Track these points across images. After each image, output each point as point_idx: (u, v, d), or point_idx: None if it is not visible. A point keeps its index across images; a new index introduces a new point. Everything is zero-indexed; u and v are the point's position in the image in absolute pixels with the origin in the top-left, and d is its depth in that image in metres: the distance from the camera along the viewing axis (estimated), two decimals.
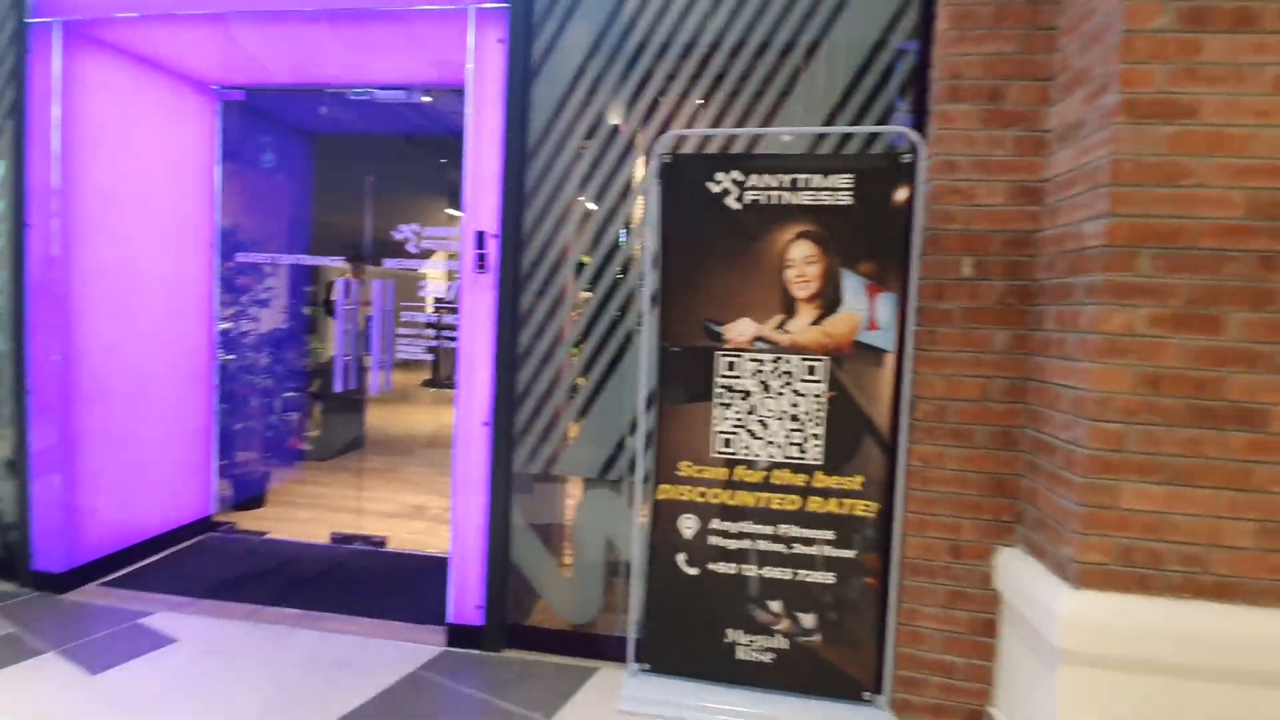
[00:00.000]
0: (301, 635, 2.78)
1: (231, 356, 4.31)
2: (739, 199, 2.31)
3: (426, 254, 3.64)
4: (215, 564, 3.49)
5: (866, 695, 2.32)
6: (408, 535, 3.96)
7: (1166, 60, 1.84)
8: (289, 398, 4.65)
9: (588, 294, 2.70)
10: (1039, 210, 2.24)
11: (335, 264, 4.20)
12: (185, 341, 3.77)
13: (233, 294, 4.33)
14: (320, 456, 5.42)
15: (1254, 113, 1.81)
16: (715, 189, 2.32)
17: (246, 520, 4.10)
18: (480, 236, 2.63)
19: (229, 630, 2.81)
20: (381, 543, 3.77)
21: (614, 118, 2.67)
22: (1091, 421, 1.90)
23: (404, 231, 3.63)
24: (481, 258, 2.64)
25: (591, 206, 2.70)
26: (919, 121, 2.41)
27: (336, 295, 3.76)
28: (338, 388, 3.73)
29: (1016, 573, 2.14)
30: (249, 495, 4.31)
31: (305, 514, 4.26)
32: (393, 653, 2.66)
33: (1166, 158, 1.84)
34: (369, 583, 3.31)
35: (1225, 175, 1.82)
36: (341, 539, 3.78)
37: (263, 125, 4.54)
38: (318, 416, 5.52)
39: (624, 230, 2.68)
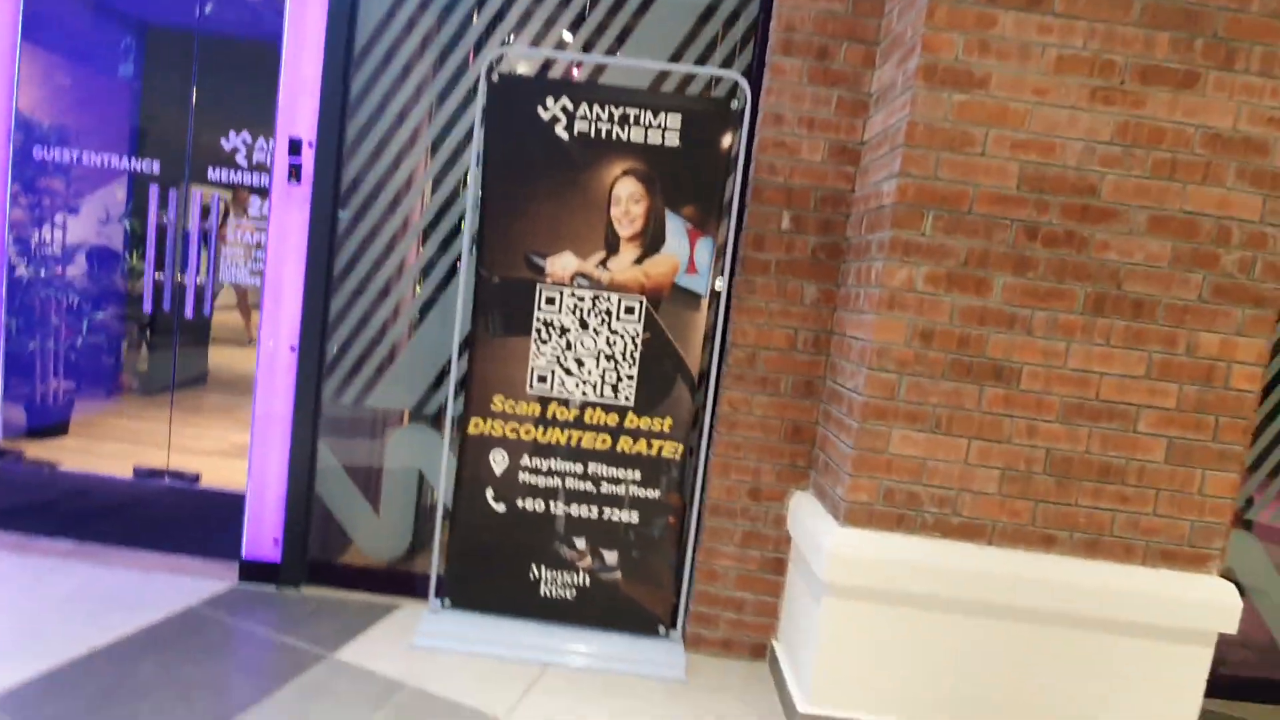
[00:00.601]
0: (73, 568, 2.53)
1: (28, 268, 3.80)
2: (568, 128, 2.24)
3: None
4: None
5: (662, 630, 2.39)
6: (229, 474, 3.68)
7: (964, 30, 1.92)
8: (101, 319, 4.18)
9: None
10: (854, 171, 2.32)
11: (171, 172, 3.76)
12: None
13: (34, 195, 3.80)
14: (147, 389, 4.95)
15: (1034, 90, 1.93)
16: (545, 116, 2.24)
17: (38, 449, 3.67)
18: (295, 144, 2.42)
19: None
20: (195, 479, 3.48)
21: (452, 31, 2.51)
22: (870, 370, 2.00)
23: (233, 141, 3.30)
24: (295, 169, 2.43)
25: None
26: (758, 72, 2.42)
27: (150, 208, 3.38)
28: (147, 309, 3.37)
29: (802, 514, 2.25)
30: (46, 423, 3.86)
31: (113, 447, 3.88)
32: (173, 588, 2.47)
33: (955, 125, 1.94)
34: (170, 519, 3.06)
35: (1004, 147, 1.95)
36: (147, 473, 3.46)
37: (81, 6, 3.97)
38: (146, 345, 5.02)
39: (456, 152, 2.55)
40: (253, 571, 2.57)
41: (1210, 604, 1.95)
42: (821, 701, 2.05)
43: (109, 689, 1.88)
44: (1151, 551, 2.01)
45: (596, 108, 2.23)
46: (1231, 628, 1.95)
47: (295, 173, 2.42)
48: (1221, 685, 2.50)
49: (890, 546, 2.00)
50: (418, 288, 2.60)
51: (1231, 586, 1.97)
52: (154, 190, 3.40)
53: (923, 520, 2.03)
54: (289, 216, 2.45)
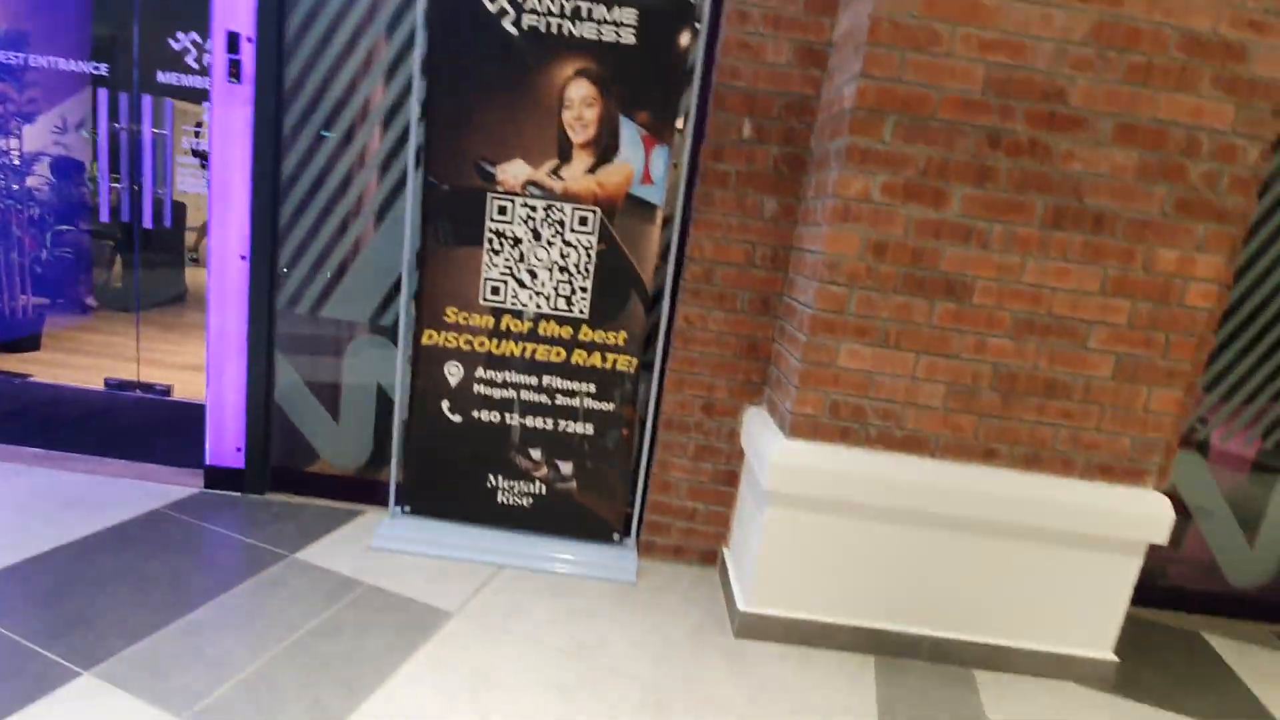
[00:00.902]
0: (37, 473, 2.58)
1: None
2: (517, 22, 2.12)
3: None
4: None
5: (615, 537, 2.46)
6: (202, 388, 3.70)
7: None
8: (67, 232, 4.10)
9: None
10: (820, 75, 2.21)
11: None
12: None
13: None
14: (124, 306, 4.92)
15: None
16: (492, 7, 2.11)
17: (10, 363, 3.68)
18: (233, 39, 2.29)
19: None
20: (166, 391, 3.51)
21: None
22: (820, 283, 1.97)
23: (183, 41, 3.13)
24: (235, 65, 2.31)
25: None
26: None
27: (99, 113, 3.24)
28: (104, 218, 3.30)
29: (754, 428, 2.27)
30: (16, 337, 3.86)
31: (86, 361, 3.88)
32: (140, 492, 2.52)
33: (921, 21, 1.83)
34: (139, 428, 3.09)
35: (971, 47, 1.84)
36: (117, 385, 3.48)
37: None
38: (120, 262, 4.96)
39: (407, 45, 2.42)
40: (218, 478, 2.62)
41: (1141, 516, 1.99)
42: (761, 601, 2.13)
43: (67, 581, 1.95)
44: (1090, 466, 2.04)
45: None
46: (1161, 539, 2.00)
47: (235, 70, 2.31)
48: (1163, 596, 2.61)
49: (832, 457, 2.02)
50: (372, 194, 2.52)
51: (1164, 499, 2.01)
52: (103, 95, 3.26)
53: (867, 433, 2.05)
54: (232, 116, 2.35)
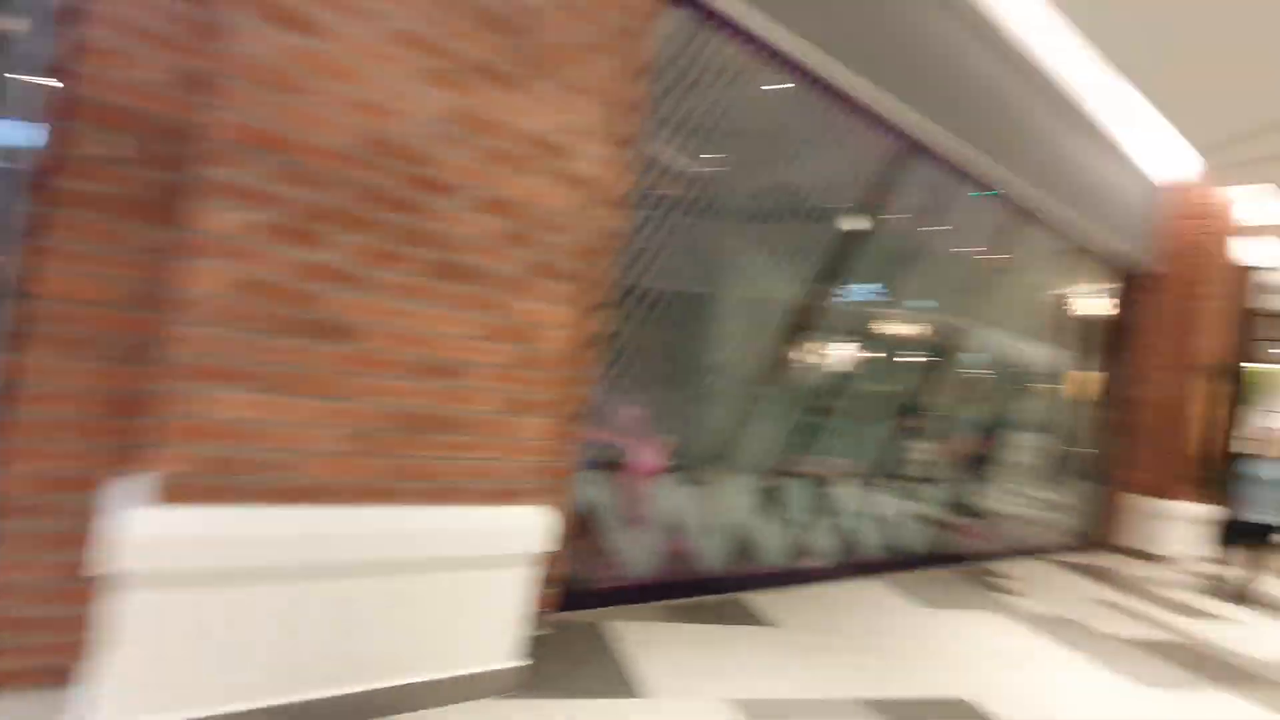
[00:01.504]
0: None
1: None
2: None
3: None
4: None
5: None
6: None
7: None
8: None
9: None
10: (201, 102, 2.06)
11: None
12: None
13: None
14: None
15: (375, 56, 1.97)
16: None
17: None
18: None
19: None
20: None
21: None
22: (186, 325, 1.77)
23: None
24: None
25: None
26: None
27: None
28: None
29: (118, 500, 1.89)
30: None
31: None
32: None
33: (291, 68, 1.85)
34: None
35: (344, 104, 1.94)
36: None
37: None
38: None
39: None
40: None
41: (523, 530, 2.30)
42: (122, 714, 1.73)
43: None
44: (485, 492, 2.27)
45: None
46: (542, 547, 2.33)
47: None
48: (585, 599, 3.08)
49: (213, 521, 1.80)
50: None
51: (542, 513, 2.35)
52: None
53: (262, 487, 1.89)
54: None
